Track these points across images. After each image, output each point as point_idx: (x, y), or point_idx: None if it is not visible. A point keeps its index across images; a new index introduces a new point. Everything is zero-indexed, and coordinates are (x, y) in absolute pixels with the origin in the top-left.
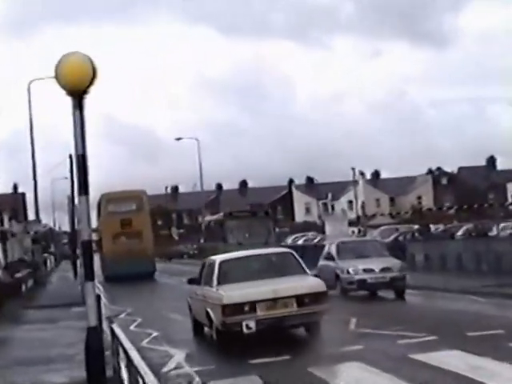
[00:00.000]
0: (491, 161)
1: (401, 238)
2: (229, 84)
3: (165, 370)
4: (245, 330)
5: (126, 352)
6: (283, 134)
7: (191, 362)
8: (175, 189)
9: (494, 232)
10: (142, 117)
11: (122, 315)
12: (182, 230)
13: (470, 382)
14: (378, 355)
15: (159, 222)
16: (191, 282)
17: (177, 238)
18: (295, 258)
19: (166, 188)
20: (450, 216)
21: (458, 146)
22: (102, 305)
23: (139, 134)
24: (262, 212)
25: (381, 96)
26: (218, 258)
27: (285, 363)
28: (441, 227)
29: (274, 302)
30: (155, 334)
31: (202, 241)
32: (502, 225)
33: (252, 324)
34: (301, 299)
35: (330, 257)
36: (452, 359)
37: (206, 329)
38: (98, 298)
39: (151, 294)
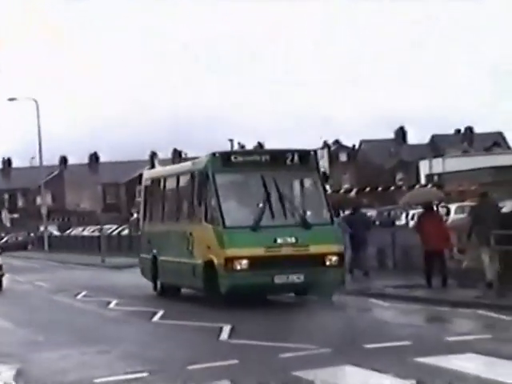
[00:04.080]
0: (400, 133)
1: None
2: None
3: None
4: None
5: None
6: (146, 101)
7: (23, 380)
8: (8, 163)
9: (402, 221)
10: None
11: None
12: (15, 215)
13: None
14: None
15: None
16: None
17: (8, 224)
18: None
19: None
20: (348, 200)
21: (360, 115)
22: None
23: None
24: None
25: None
26: None
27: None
28: None
29: None
30: None
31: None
32: (412, 212)
33: None
34: None
35: None
36: (343, 376)
37: None
38: None
39: None
